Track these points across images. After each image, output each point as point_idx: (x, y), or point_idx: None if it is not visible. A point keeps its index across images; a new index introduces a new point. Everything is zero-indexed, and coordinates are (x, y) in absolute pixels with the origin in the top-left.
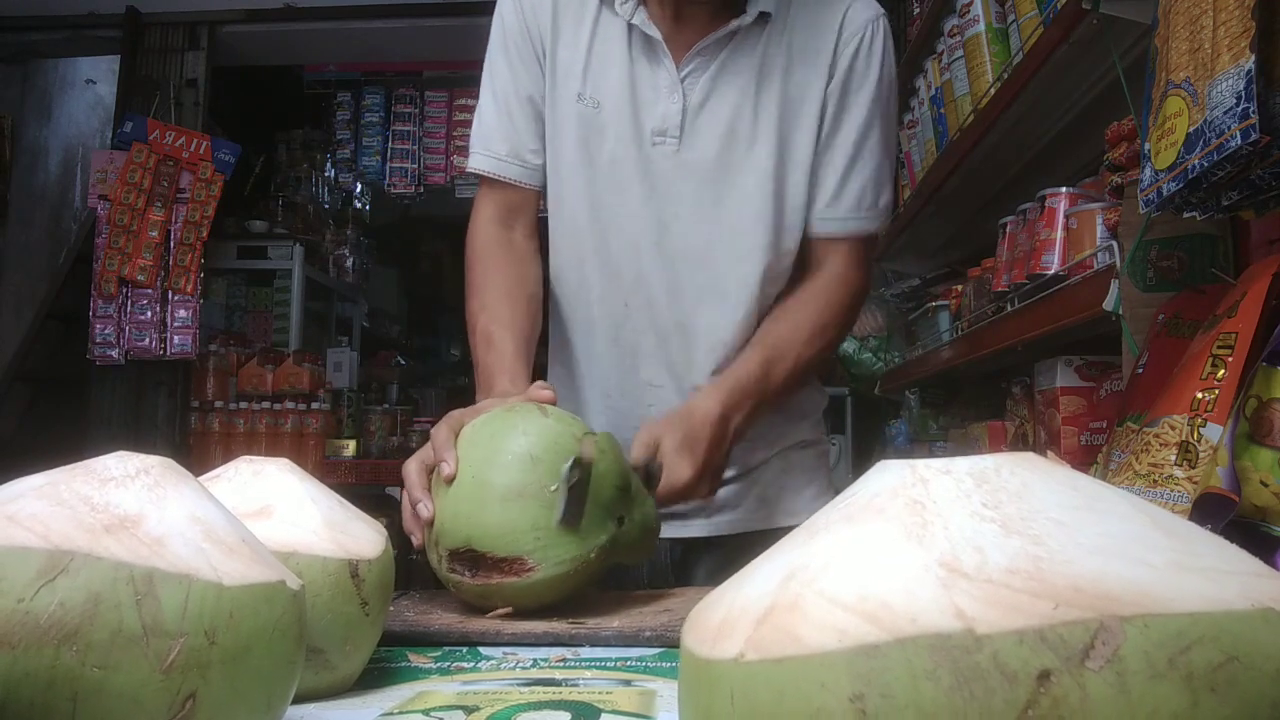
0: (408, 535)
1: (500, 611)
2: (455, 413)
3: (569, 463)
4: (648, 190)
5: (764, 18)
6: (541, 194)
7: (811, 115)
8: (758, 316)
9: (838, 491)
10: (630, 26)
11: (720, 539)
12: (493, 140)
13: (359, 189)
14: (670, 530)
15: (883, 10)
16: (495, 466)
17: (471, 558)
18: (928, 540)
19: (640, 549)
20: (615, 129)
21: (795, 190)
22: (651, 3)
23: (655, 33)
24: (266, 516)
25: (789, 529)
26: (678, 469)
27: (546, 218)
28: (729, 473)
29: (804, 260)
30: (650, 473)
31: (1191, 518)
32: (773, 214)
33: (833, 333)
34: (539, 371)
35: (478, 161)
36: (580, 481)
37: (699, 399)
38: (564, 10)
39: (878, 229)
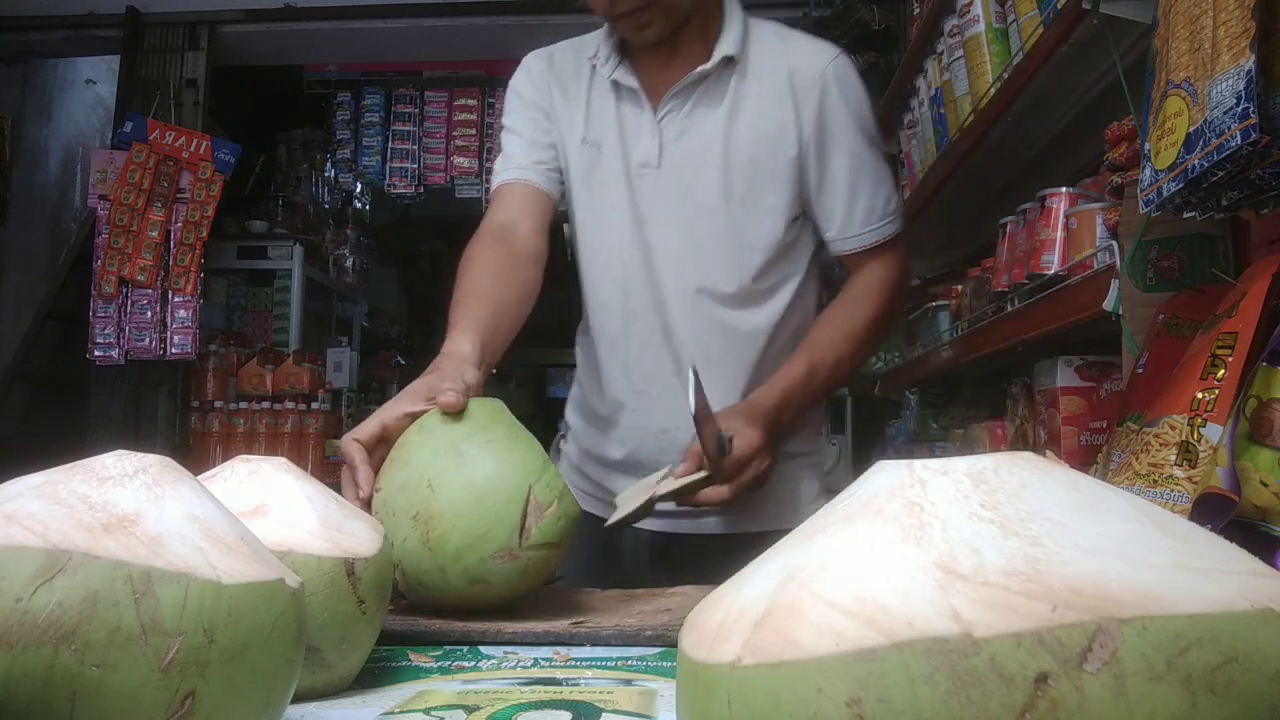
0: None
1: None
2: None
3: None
4: (636, 218)
5: (729, 61)
6: (556, 203)
7: (787, 153)
8: (744, 342)
9: (834, 493)
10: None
11: (704, 537)
12: (513, 159)
13: (359, 189)
14: (654, 524)
15: (838, 50)
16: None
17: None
18: (925, 542)
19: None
20: (611, 165)
21: (761, 218)
22: (630, 58)
23: (633, 83)
24: (262, 515)
25: (776, 532)
26: (748, 434)
27: (573, 244)
28: None
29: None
30: (721, 442)
31: (1191, 518)
32: (735, 238)
33: (872, 332)
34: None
35: (499, 179)
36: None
37: (755, 395)
38: (563, 74)
39: (898, 228)
